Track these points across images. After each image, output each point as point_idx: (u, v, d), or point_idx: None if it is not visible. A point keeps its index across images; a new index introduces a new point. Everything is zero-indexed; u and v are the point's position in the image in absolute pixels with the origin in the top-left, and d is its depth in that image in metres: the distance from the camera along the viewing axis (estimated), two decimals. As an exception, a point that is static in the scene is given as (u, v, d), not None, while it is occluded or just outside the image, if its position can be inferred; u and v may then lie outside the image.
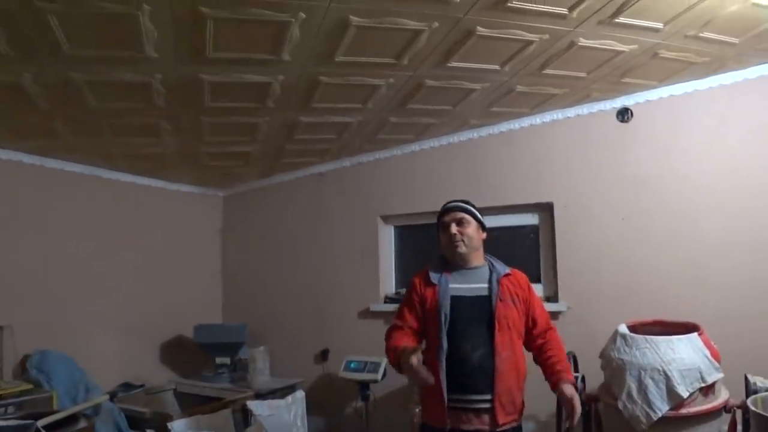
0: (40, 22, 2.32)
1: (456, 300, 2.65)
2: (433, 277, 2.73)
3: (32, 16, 2.28)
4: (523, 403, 2.68)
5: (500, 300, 2.63)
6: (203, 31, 2.53)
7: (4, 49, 2.54)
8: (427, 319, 2.69)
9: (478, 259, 2.78)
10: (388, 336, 2.74)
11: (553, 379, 2.62)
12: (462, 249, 2.71)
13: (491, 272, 2.72)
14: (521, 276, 2.82)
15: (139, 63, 2.80)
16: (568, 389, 2.53)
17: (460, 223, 2.73)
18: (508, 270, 2.77)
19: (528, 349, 2.76)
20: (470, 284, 2.70)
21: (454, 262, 2.76)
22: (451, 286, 2.69)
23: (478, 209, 2.83)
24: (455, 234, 2.70)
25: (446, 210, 2.81)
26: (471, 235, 2.72)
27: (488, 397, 2.53)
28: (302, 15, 2.46)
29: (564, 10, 2.60)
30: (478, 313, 2.63)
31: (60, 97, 3.17)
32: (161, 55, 2.72)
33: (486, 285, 2.68)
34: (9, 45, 2.52)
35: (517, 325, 2.66)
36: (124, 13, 2.32)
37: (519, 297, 2.71)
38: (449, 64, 3.14)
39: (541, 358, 2.71)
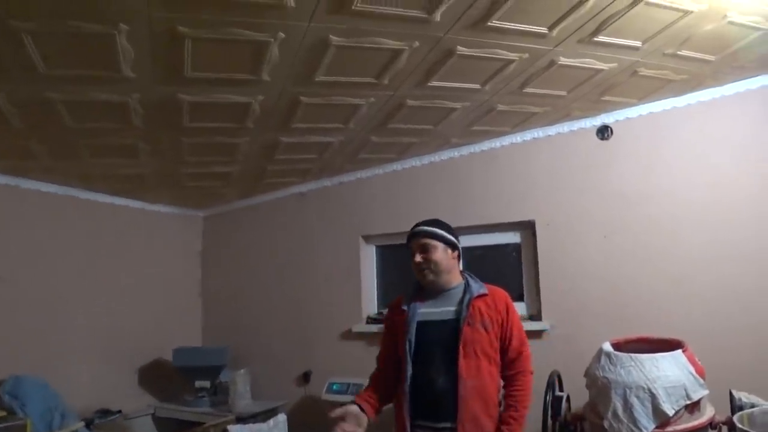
0: (14, 41, 2.27)
1: (423, 325, 2.61)
2: (404, 303, 2.70)
3: (6, 35, 2.23)
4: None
5: (468, 324, 2.53)
6: (181, 50, 2.50)
7: (-24, 68, 2.49)
8: (399, 345, 2.67)
9: (453, 279, 2.69)
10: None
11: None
12: (429, 278, 2.64)
13: (465, 293, 2.63)
14: (500, 296, 2.67)
15: (117, 83, 2.76)
16: None
17: (424, 249, 2.64)
18: (484, 290, 2.65)
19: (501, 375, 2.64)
20: (440, 308, 2.63)
21: (426, 288, 2.70)
22: (421, 310, 2.65)
23: (449, 227, 2.74)
24: (420, 263, 2.63)
25: (410, 236, 2.73)
26: (438, 260, 2.62)
27: (449, 425, 2.48)
28: (281, 35, 2.45)
29: (544, 29, 2.61)
30: (445, 338, 2.56)
31: (35, 116, 3.11)
32: (139, 74, 2.68)
33: (455, 308, 2.60)
34: (-18, 65, 2.47)
35: (487, 350, 2.54)
36: (101, 33, 2.29)
37: (492, 320, 2.57)
38: (430, 84, 3.14)
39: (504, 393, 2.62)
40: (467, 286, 2.66)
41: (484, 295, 2.63)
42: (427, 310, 2.64)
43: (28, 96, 2.84)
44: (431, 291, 2.68)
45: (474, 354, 2.51)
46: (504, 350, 2.59)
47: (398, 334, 2.68)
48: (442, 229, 2.69)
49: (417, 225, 2.74)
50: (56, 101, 2.92)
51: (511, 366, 2.60)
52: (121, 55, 2.47)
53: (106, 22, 2.23)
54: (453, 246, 2.70)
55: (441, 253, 2.64)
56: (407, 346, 2.58)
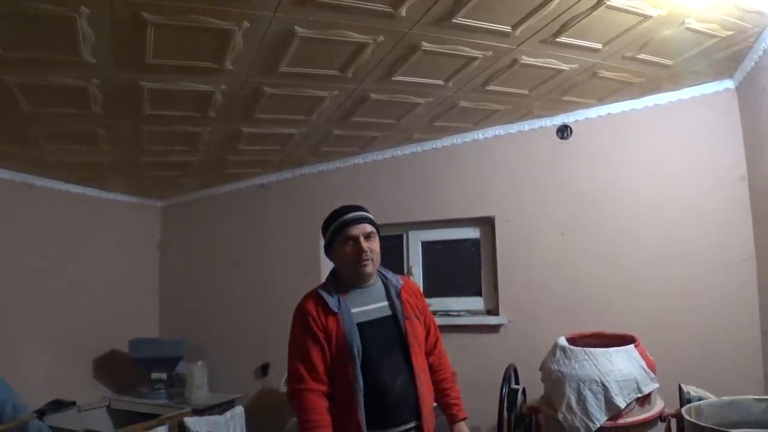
0: (-32, 21, 2.22)
1: (362, 327, 2.34)
2: (332, 303, 2.36)
3: (-40, 15, 2.17)
4: None
5: (406, 318, 2.40)
6: (143, 36, 2.45)
7: (-72, 49, 2.41)
8: (335, 353, 2.34)
9: (374, 274, 2.50)
10: (302, 398, 2.33)
11: (447, 413, 2.54)
12: (370, 269, 2.40)
13: (386, 286, 2.47)
14: (412, 283, 2.63)
15: (76, 67, 2.69)
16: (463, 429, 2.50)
17: (368, 237, 2.41)
18: (401, 281, 2.52)
19: None
20: (370, 305, 2.41)
21: (351, 281, 2.45)
22: (353, 310, 2.37)
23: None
24: (366, 251, 2.37)
25: (352, 221, 2.41)
26: (378, 252, 2.44)
27: (413, 424, 2.33)
28: (246, 24, 2.43)
29: (508, 28, 2.64)
30: (389, 337, 2.38)
31: (-11, 100, 3.03)
32: (99, 59, 2.63)
33: (386, 303, 2.43)
34: (-66, 45, 2.39)
35: (422, 341, 2.47)
36: (61, 15, 2.23)
37: (418, 308, 2.50)
38: (394, 78, 3.15)
39: (433, 379, 2.51)
40: (385, 278, 2.51)
41: (404, 286, 2.52)
42: (358, 309, 2.39)
43: (-19, 78, 2.76)
44: (353, 286, 2.45)
45: (418, 347, 2.42)
46: (428, 331, 2.56)
47: (335, 341, 2.34)
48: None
49: (350, 209, 2.47)
50: (11, 84, 2.83)
51: (432, 351, 2.56)
52: (81, 39, 2.41)
53: (66, 4, 2.18)
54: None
55: (378, 244, 2.47)
56: (355, 354, 2.29)
